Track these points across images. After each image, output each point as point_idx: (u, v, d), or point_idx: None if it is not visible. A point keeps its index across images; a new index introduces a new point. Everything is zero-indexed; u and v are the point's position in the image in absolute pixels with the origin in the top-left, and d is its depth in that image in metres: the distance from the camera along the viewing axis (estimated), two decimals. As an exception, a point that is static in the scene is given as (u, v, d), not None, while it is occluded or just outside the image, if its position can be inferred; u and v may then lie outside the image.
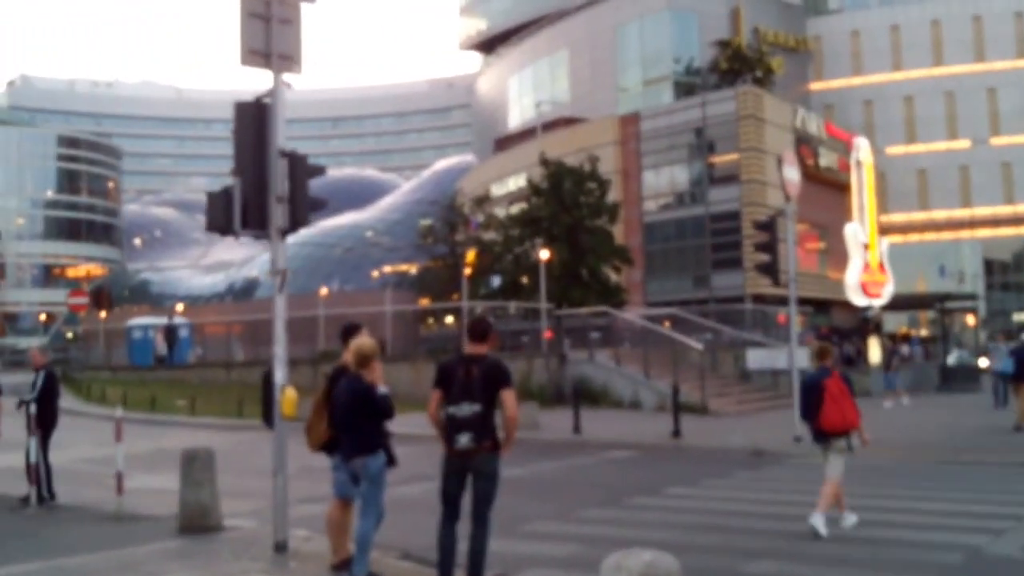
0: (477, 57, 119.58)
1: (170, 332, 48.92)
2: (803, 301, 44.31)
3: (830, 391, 11.96)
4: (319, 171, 11.22)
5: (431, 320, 53.85)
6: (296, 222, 10.65)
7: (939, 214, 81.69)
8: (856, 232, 42.84)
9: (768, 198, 59.33)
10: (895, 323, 63.07)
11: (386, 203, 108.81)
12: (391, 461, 9.39)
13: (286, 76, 10.83)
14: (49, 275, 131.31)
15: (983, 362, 40.70)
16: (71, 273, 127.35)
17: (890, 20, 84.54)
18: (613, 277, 50.53)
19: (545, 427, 25.09)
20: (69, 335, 77.75)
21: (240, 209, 10.39)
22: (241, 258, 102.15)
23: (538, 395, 30.83)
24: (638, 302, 59.13)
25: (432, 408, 8.79)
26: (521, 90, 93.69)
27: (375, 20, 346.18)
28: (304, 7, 11.02)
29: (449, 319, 49.58)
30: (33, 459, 15.06)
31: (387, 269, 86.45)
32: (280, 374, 10.75)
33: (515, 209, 56.30)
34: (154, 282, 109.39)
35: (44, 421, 15.40)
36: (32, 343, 63.40)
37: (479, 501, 8.68)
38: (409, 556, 10.69)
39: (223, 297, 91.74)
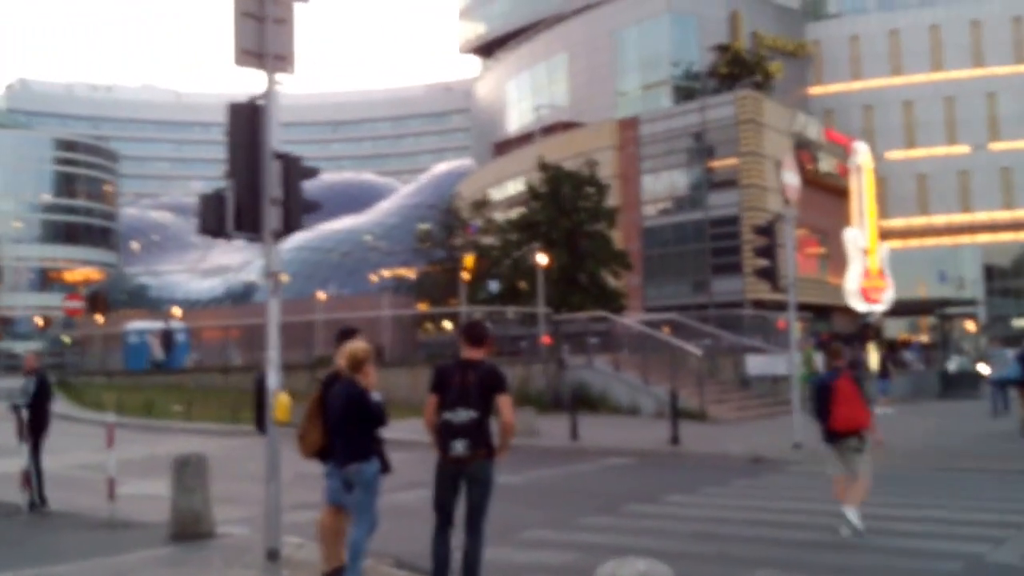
0: (476, 61, 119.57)
1: (166, 336, 48.76)
2: (803, 307, 44.09)
3: (840, 392, 12.10)
4: (313, 173, 11.11)
5: (429, 325, 53.78)
6: (290, 225, 10.55)
7: (939, 219, 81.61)
8: (856, 237, 42.82)
9: (768, 203, 59.25)
10: (895, 329, 63.06)
11: (384, 207, 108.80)
12: (385, 468, 9.30)
13: (279, 76, 10.70)
14: (46, 279, 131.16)
15: (984, 368, 40.60)
16: (68, 277, 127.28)
17: (889, 25, 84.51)
18: (612, 282, 50.43)
19: (543, 433, 24.94)
20: (66, 339, 77.56)
21: (233, 211, 10.31)
22: (239, 262, 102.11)
23: (536, 401, 30.69)
24: (637, 307, 59.01)
25: (428, 413, 8.70)
26: (520, 94, 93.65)
27: (374, 24, 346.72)
28: (298, 7, 10.92)
29: (447, 324, 49.46)
30: (24, 465, 14.94)
31: (385, 274, 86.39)
32: (273, 379, 10.63)
33: (514, 214, 56.25)
34: (151, 286, 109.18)
35: (36, 426, 15.30)
36: (28, 347, 63.34)
37: (473, 509, 8.59)
38: (403, 564, 10.59)
39: (221, 301, 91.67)
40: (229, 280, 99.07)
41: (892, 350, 46.61)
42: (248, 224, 10.38)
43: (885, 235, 58.32)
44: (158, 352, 48.65)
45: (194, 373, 45.56)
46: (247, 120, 10.48)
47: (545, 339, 37.56)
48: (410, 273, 79.75)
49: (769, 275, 23.40)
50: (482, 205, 66.09)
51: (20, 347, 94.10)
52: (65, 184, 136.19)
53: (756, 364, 34.48)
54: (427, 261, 70.97)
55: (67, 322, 72.47)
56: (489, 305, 46.64)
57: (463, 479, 8.55)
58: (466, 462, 8.44)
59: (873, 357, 40.47)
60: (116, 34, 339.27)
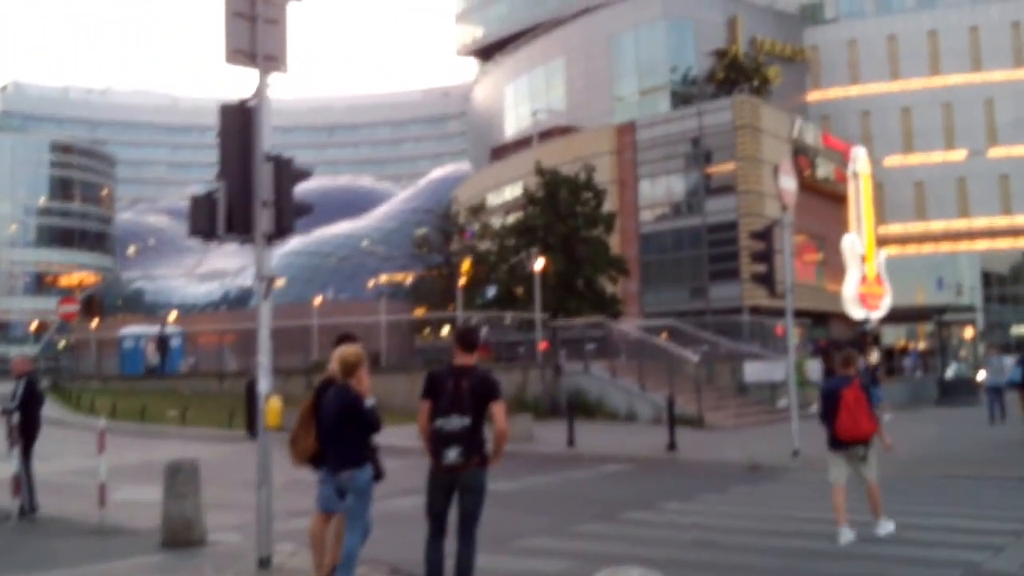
0: (473, 65, 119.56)
1: (162, 341, 48.65)
2: (801, 313, 44.06)
3: (846, 400, 12.10)
4: (305, 175, 11.00)
5: (427, 330, 53.71)
6: (282, 227, 10.44)
7: (936, 225, 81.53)
8: (853, 243, 42.69)
9: (765, 209, 59.08)
10: (893, 336, 62.88)
11: (381, 212, 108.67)
12: (378, 475, 9.26)
13: (271, 77, 10.59)
14: (41, 283, 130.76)
15: (982, 375, 40.54)
16: (64, 281, 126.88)
17: (887, 30, 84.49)
18: (609, 288, 50.35)
19: (539, 440, 24.92)
20: (61, 344, 77.41)
21: (224, 214, 10.20)
22: (236, 267, 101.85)
23: (533, 407, 30.63)
24: (634, 313, 58.91)
25: (422, 420, 8.62)
26: (517, 99, 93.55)
27: (371, 28, 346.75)
28: (291, 7, 10.83)
29: (445, 330, 49.37)
30: (15, 470, 14.82)
31: (382, 279, 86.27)
32: (264, 383, 10.49)
33: (511, 219, 56.16)
34: (148, 291, 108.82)
35: (26, 430, 15.15)
36: (23, 352, 63.15)
37: (465, 517, 8.54)
38: (398, 572, 10.52)
39: (218, 306, 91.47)
40: (226, 285, 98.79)
41: (890, 357, 46.55)
42: (239, 226, 10.29)
43: (883, 241, 58.21)
44: (153, 357, 48.55)
45: (189, 378, 45.48)
46: (238, 121, 10.40)
47: (542, 345, 37.48)
48: (408, 278, 79.59)
49: (766, 281, 23.26)
50: (479, 210, 66.03)
51: (15, 351, 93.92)
52: (61, 188, 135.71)
53: (754, 371, 34.41)
54: (424, 266, 70.88)
55: (62, 326, 72.36)
56: (486, 310, 46.51)
57: (456, 487, 8.48)
58: (459, 470, 8.38)
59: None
60: (112, 37, 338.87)
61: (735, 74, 75.32)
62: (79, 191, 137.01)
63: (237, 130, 10.37)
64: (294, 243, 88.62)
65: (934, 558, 11.25)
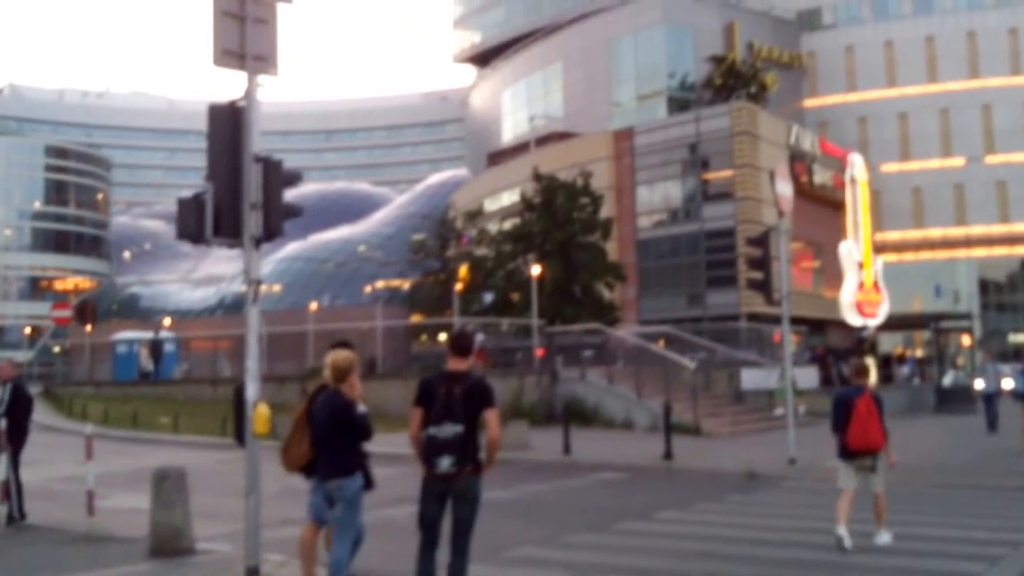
0: (471, 70, 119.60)
1: (155, 347, 48.40)
2: (798, 320, 43.91)
3: (858, 410, 12.22)
4: (295, 178, 10.86)
5: (424, 336, 53.60)
6: (270, 231, 10.27)
7: (934, 232, 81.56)
8: (851, 250, 42.55)
9: (763, 215, 59.00)
10: (890, 343, 62.74)
11: (379, 217, 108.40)
12: (368, 484, 9.20)
13: (261, 78, 10.44)
14: (36, 288, 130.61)
15: (979, 383, 40.39)
16: (58, 286, 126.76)
17: (884, 36, 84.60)
18: (606, 294, 50.29)
19: (535, 447, 24.82)
20: (55, 349, 77.30)
21: (212, 216, 10.04)
22: (232, 272, 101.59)
23: (529, 414, 30.54)
24: (632, 320, 58.86)
25: (414, 427, 8.49)
26: (514, 104, 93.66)
27: (369, 32, 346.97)
28: (281, 7, 10.70)
29: (442, 335, 49.23)
30: (3, 476, 14.67)
31: (379, 284, 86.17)
32: (252, 390, 10.32)
33: (508, 224, 56.08)
34: (143, 296, 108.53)
35: (14, 437, 15.00)
36: (16, 357, 62.91)
37: (459, 528, 8.39)
38: (389, 583, 10.36)
39: (213, 312, 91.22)
40: (222, 290, 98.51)
41: (887, 365, 46.36)
42: (227, 229, 10.17)
43: (880, 248, 58.10)
44: (146, 362, 48.34)
45: (183, 384, 45.34)
46: (227, 122, 10.27)
47: (539, 351, 37.35)
48: (404, 284, 79.48)
49: (762, 287, 23.11)
50: (476, 215, 65.98)
51: (7, 356, 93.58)
52: (56, 192, 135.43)
53: (750, 378, 34.27)
54: (421, 272, 70.77)
55: (57, 331, 72.24)
56: (483, 317, 46.40)
57: (449, 496, 8.35)
58: (452, 479, 8.24)
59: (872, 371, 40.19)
60: (109, 39, 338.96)
61: (733, 80, 75.44)
62: (74, 195, 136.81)
63: (226, 131, 10.26)
64: (290, 248, 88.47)
65: (931, 569, 11.15)
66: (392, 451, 20.20)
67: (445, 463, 8.16)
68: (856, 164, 45.08)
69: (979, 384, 32.80)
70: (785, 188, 23.17)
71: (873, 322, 42.37)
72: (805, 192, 61.33)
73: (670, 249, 67.46)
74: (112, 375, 50.04)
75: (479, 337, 36.39)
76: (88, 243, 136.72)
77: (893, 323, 47.28)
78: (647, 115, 75.02)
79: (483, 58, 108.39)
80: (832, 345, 56.37)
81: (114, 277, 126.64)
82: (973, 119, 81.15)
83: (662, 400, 26.08)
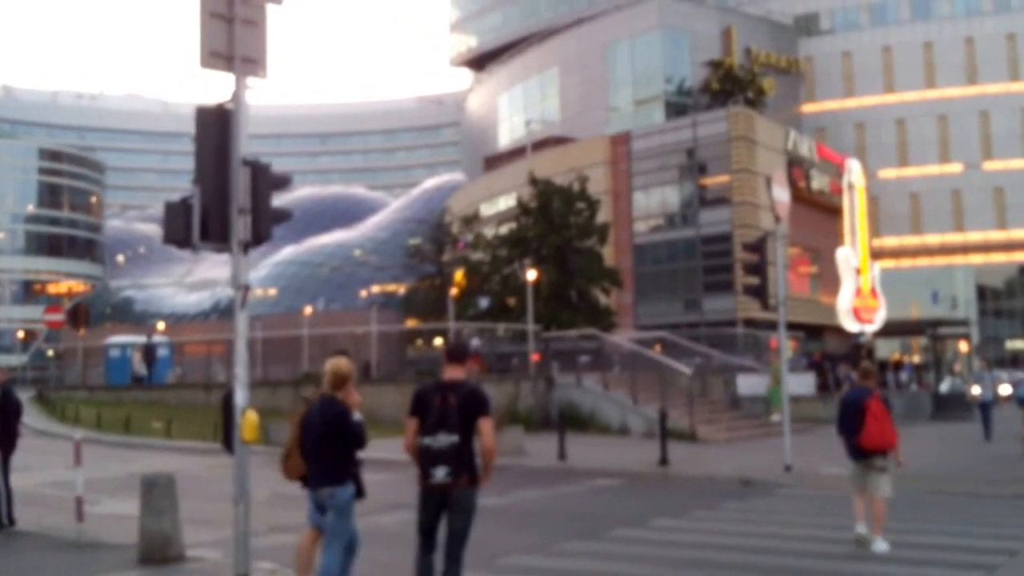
0: (467, 74, 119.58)
1: (148, 351, 48.18)
2: (795, 326, 43.86)
3: (872, 411, 12.51)
4: (284, 182, 10.73)
5: (419, 341, 53.49)
6: (259, 235, 10.13)
7: (932, 239, 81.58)
8: (848, 256, 42.53)
9: (760, 220, 58.94)
10: (887, 349, 62.72)
11: (374, 221, 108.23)
12: (360, 493, 9.12)
13: (250, 80, 10.29)
14: (29, 291, 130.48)
15: (976, 390, 40.32)
16: (52, 289, 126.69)
17: (882, 42, 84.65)
18: (603, 299, 50.23)
19: (530, 453, 24.70)
20: (49, 353, 77.08)
21: (200, 220, 9.89)
22: (227, 276, 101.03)
23: (525, 419, 30.35)
24: (628, 325, 58.78)
25: (409, 438, 8.46)
26: (511, 108, 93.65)
27: (365, 36, 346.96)
28: (270, 8, 10.52)
29: (437, 340, 49.12)
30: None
31: (375, 289, 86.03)
32: (240, 396, 10.15)
33: (504, 229, 56.01)
34: (137, 300, 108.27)
35: (3, 442, 14.85)
36: (10, 361, 62.86)
37: (452, 538, 8.38)
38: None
39: (208, 316, 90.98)
40: (216, 294, 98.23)
41: (883, 371, 46.21)
42: (215, 233, 10.03)
43: (878, 254, 58.04)
44: (140, 367, 48.11)
45: (176, 389, 45.12)
46: (215, 125, 10.12)
47: (535, 357, 37.22)
48: (400, 289, 79.35)
49: (758, 293, 23.00)
50: (472, 220, 65.94)
51: (2, 360, 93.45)
52: (50, 195, 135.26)
53: (747, 384, 34.16)
54: (417, 276, 70.69)
55: (50, 335, 72.05)
56: (478, 321, 46.30)
57: (445, 506, 8.35)
58: (448, 489, 8.22)
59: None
60: (103, 41, 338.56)
61: (730, 85, 75.46)
62: (68, 198, 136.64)
63: (214, 134, 10.10)
64: (286, 252, 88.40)
65: (929, 578, 11.08)
66: (385, 457, 20.08)
67: (440, 473, 8.14)
68: (854, 170, 45.07)
69: (976, 391, 32.74)
70: (782, 193, 23.04)
71: (870, 328, 42.34)
72: (803, 198, 61.28)
73: (667, 254, 67.43)
74: (105, 379, 49.81)
75: (474, 342, 36.35)
76: (82, 246, 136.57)
77: (890, 329, 47.28)
78: (644, 120, 74.99)
79: (480, 62, 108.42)
80: (829, 351, 56.26)
81: (108, 281, 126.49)
82: (971, 125, 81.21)
83: (658, 406, 25.99)
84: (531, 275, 41.82)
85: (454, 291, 52.53)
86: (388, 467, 20.24)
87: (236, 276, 10.32)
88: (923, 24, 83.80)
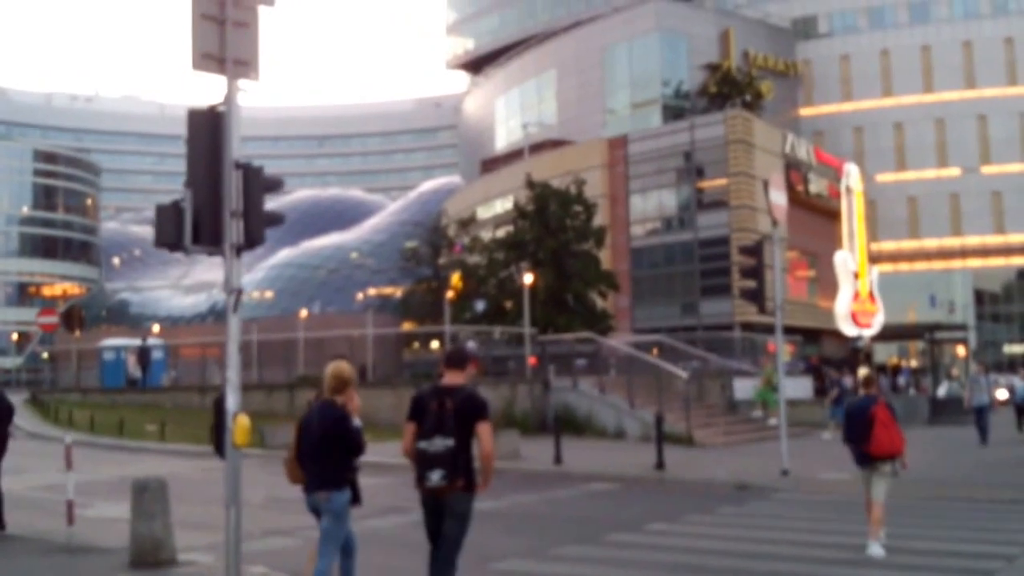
0: (464, 77, 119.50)
1: (143, 354, 48.05)
2: (792, 330, 43.79)
3: (879, 417, 12.65)
4: (277, 185, 10.62)
5: (416, 344, 53.38)
6: (251, 239, 10.03)
7: (930, 243, 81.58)
8: (846, 260, 42.49)
9: (758, 224, 58.96)
10: (885, 353, 62.78)
11: (371, 224, 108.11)
12: (356, 499, 9.11)
13: (242, 82, 10.21)
14: (24, 293, 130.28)
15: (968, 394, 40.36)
16: (47, 292, 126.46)
17: (880, 45, 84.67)
18: (599, 303, 50.16)
19: (526, 457, 24.65)
20: (44, 356, 76.88)
21: (191, 223, 9.79)
22: (224, 279, 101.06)
23: (521, 423, 30.31)
24: (625, 329, 58.75)
25: (406, 442, 8.43)
26: (508, 111, 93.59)
27: (362, 38, 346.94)
28: (262, 10, 10.42)
29: (434, 344, 49.03)
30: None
31: (371, 292, 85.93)
32: (232, 400, 10.06)
33: (501, 232, 55.94)
34: (133, 302, 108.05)
35: (-7, 445, 14.76)
36: (4, 363, 62.71)
37: (446, 542, 8.37)
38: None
39: (204, 318, 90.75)
40: (212, 297, 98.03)
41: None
42: (207, 237, 9.93)
43: (875, 258, 58.08)
44: (134, 370, 47.98)
45: (171, 392, 45.02)
46: (207, 127, 10.01)
47: (531, 360, 37.12)
48: (397, 292, 79.29)
49: (755, 297, 22.97)
50: (469, 223, 65.84)
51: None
52: (45, 197, 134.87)
53: (744, 388, 34.09)
54: (413, 279, 70.62)
55: (45, 338, 71.90)
56: (475, 325, 46.20)
57: (441, 510, 8.32)
58: (442, 493, 8.19)
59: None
60: (98, 43, 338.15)
61: (727, 88, 75.44)
62: (63, 200, 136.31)
63: (206, 137, 10.01)
64: (282, 255, 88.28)
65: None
66: (381, 460, 19.98)
67: (435, 477, 8.12)
68: (851, 174, 45.03)
69: (968, 395, 32.64)
70: (779, 197, 22.98)
71: (868, 332, 42.29)
72: (800, 201, 61.25)
73: (664, 258, 67.42)
74: (99, 382, 49.72)
75: (471, 344, 36.23)
76: (77, 248, 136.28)
77: (888, 333, 47.25)
78: (641, 123, 74.95)
79: (477, 65, 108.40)
80: (827, 355, 56.24)
81: (103, 283, 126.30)
82: (969, 129, 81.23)
83: (655, 410, 25.94)
84: (528, 278, 41.70)
85: (450, 294, 52.42)
86: (384, 471, 20.16)
87: (228, 280, 10.24)
88: (921, 28, 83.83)
